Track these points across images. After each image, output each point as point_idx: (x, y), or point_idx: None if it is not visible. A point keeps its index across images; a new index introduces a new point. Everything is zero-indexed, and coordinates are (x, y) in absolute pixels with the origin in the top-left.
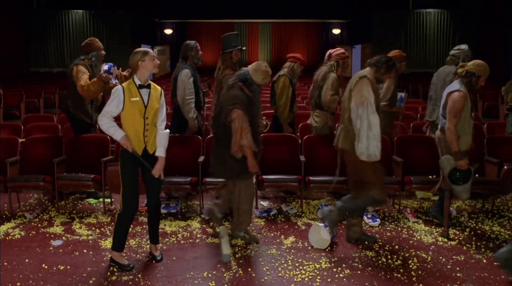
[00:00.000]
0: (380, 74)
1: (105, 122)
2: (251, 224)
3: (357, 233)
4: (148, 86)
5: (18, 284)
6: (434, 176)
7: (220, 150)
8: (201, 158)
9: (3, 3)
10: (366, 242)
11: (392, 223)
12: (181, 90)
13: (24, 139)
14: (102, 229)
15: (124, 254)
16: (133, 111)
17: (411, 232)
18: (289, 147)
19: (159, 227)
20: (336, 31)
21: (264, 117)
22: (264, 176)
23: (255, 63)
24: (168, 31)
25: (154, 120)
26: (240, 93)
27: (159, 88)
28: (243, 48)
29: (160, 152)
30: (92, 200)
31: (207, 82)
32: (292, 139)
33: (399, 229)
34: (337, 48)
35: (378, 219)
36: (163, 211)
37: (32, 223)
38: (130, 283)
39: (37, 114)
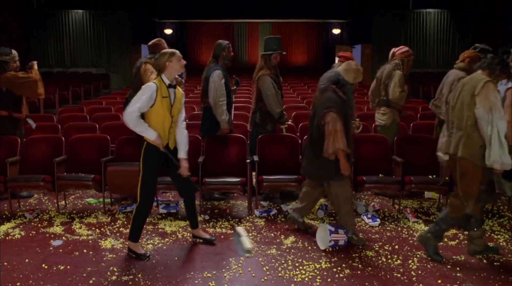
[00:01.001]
0: (495, 76)
1: (136, 120)
2: (251, 225)
3: (481, 246)
4: (174, 87)
5: (18, 284)
6: (434, 176)
7: (314, 151)
8: (201, 158)
9: (3, 3)
10: (489, 254)
11: (392, 223)
12: (213, 92)
13: (24, 139)
14: (102, 229)
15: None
16: (163, 109)
17: (411, 232)
18: (289, 147)
19: (159, 227)
20: (336, 31)
21: (357, 119)
22: (263, 176)
23: (345, 63)
24: (168, 31)
25: (176, 119)
26: (334, 96)
27: (181, 90)
28: (283, 52)
29: (183, 155)
30: (92, 200)
31: (235, 79)
32: (292, 139)
33: (399, 229)
34: (401, 47)
35: (378, 219)
36: (163, 211)
37: (32, 223)
38: (130, 283)
39: (37, 114)
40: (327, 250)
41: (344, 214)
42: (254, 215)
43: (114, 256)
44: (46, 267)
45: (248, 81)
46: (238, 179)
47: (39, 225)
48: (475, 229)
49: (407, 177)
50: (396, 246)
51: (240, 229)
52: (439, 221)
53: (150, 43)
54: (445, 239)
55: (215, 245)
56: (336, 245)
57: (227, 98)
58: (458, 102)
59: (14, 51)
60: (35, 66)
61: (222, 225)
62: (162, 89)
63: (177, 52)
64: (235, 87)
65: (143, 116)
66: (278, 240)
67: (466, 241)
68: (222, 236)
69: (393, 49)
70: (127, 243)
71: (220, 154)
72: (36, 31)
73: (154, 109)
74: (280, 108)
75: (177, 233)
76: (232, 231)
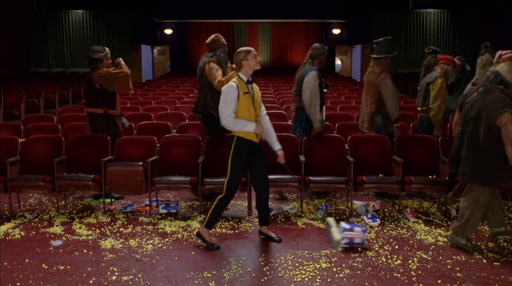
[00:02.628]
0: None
1: (234, 123)
2: (251, 225)
3: None
4: (251, 82)
5: (18, 284)
6: (434, 176)
7: (477, 155)
8: (201, 158)
9: (3, 3)
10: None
11: (392, 223)
12: (308, 92)
13: (24, 139)
14: (102, 229)
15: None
16: (247, 103)
17: (411, 232)
18: (289, 147)
19: (159, 227)
20: (336, 31)
21: None
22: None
23: (504, 64)
24: (168, 31)
25: (259, 112)
26: (503, 96)
27: (256, 85)
28: (396, 52)
29: (278, 146)
30: (92, 200)
31: (324, 83)
32: (292, 139)
33: (399, 229)
34: (508, 51)
35: (378, 219)
36: (163, 211)
37: (32, 223)
38: (130, 283)
39: (37, 114)
40: (327, 250)
41: (472, 219)
42: (254, 215)
43: (114, 256)
44: (46, 267)
45: None
46: None
47: (39, 225)
48: None
49: (407, 177)
50: (396, 246)
51: (331, 220)
52: None
53: (208, 41)
54: (445, 239)
55: (280, 242)
56: (352, 244)
57: (320, 99)
58: None
59: (107, 49)
60: (122, 62)
61: (222, 225)
62: (242, 86)
63: (252, 49)
64: (325, 90)
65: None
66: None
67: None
68: (222, 236)
69: (500, 52)
70: (127, 243)
71: (220, 154)
72: (36, 31)
73: (239, 106)
74: (398, 111)
75: (177, 233)
76: (232, 231)
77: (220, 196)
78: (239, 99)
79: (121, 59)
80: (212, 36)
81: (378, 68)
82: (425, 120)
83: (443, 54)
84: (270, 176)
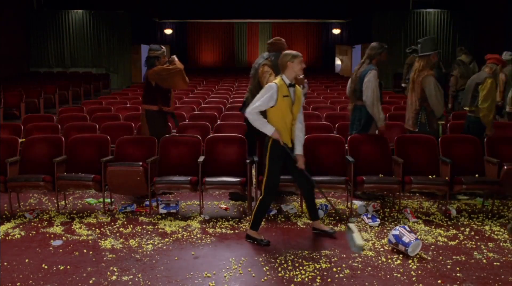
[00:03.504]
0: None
1: (255, 117)
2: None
3: None
4: (294, 85)
5: (18, 284)
6: (434, 176)
7: None
8: (201, 158)
9: (3, 3)
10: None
11: (392, 223)
12: (370, 91)
13: (24, 139)
14: (102, 229)
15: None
16: (284, 106)
17: None
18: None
19: (159, 227)
20: (336, 31)
21: None
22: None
23: None
24: (168, 31)
25: (296, 116)
26: None
27: (299, 88)
28: (439, 50)
29: (300, 151)
30: (92, 200)
31: (380, 83)
32: None
33: None
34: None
35: (378, 219)
36: (163, 211)
37: (32, 223)
38: (130, 283)
39: (37, 114)
40: (328, 250)
41: None
42: None
43: (114, 256)
44: (46, 267)
45: (247, 81)
46: (238, 179)
47: (39, 225)
48: None
49: (407, 177)
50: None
51: (353, 225)
52: None
53: (270, 40)
54: (445, 239)
55: (335, 238)
56: (399, 240)
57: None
58: None
59: (163, 47)
60: (176, 59)
61: (222, 225)
62: (283, 88)
63: (300, 54)
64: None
65: (265, 114)
66: (278, 240)
67: (466, 241)
68: (222, 236)
69: None
70: (127, 243)
71: (220, 154)
72: (36, 31)
73: (276, 108)
74: (443, 108)
75: (177, 233)
76: (232, 231)
77: (260, 198)
78: (276, 102)
79: (174, 56)
80: (275, 39)
81: (420, 66)
82: (474, 121)
83: (491, 54)
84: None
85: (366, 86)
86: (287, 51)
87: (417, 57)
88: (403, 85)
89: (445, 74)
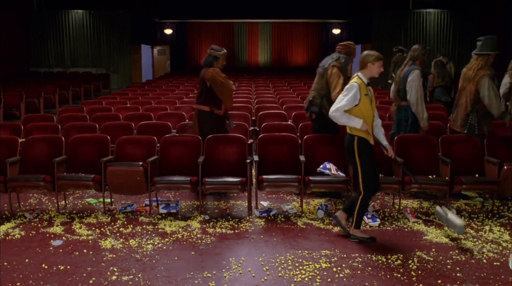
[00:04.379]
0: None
1: (339, 114)
2: (250, 225)
3: None
4: (369, 84)
5: (18, 284)
6: (434, 175)
7: None
8: (201, 158)
9: (3, 3)
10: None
11: (392, 223)
12: (414, 90)
13: (24, 139)
14: (102, 229)
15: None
16: (366, 104)
17: (411, 232)
18: (289, 147)
19: (159, 227)
20: (336, 31)
21: None
22: (264, 176)
23: None
24: (168, 31)
25: (374, 112)
26: None
27: (371, 88)
28: (498, 52)
29: (385, 142)
30: (92, 200)
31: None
32: (292, 139)
33: (399, 229)
34: None
35: (378, 219)
36: (163, 211)
37: (32, 223)
38: (130, 283)
39: (37, 114)
40: (328, 250)
41: None
42: (254, 215)
43: (114, 256)
44: (46, 267)
45: (247, 81)
46: (238, 179)
47: (39, 225)
48: None
49: (407, 177)
50: (396, 246)
51: (441, 208)
52: None
53: (343, 42)
54: (445, 239)
55: (349, 237)
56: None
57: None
58: None
59: (224, 50)
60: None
61: (222, 225)
62: (363, 87)
63: (382, 57)
64: None
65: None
66: (278, 240)
67: (466, 241)
68: (222, 236)
69: None
70: (127, 243)
71: (220, 154)
72: (36, 31)
73: (360, 107)
74: (502, 107)
75: (177, 233)
76: (232, 231)
77: (360, 197)
78: (359, 102)
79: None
80: (348, 42)
81: (477, 65)
82: None
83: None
84: (270, 176)
85: (410, 85)
86: (371, 52)
87: (475, 55)
88: (389, 81)
89: (425, 73)
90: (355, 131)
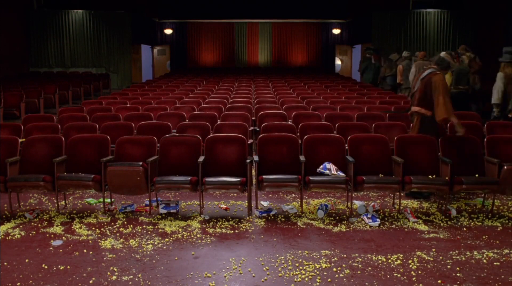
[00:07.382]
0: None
1: None
2: (250, 225)
3: None
4: None
5: (18, 284)
6: (434, 175)
7: None
8: (201, 158)
9: (3, 3)
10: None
11: (392, 223)
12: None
13: (24, 139)
14: (102, 229)
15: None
16: None
17: (411, 232)
18: (289, 147)
19: (159, 227)
20: (336, 31)
21: None
22: (264, 176)
23: None
24: (168, 31)
25: None
26: None
27: None
28: None
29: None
30: (92, 200)
31: None
32: (292, 139)
33: (399, 229)
34: None
35: (378, 219)
36: (163, 211)
37: (32, 223)
38: (130, 283)
39: (37, 114)
40: (328, 250)
41: None
42: (254, 215)
43: (114, 256)
44: (46, 267)
45: (247, 81)
46: (238, 179)
47: (39, 225)
48: None
49: (407, 177)
50: (396, 246)
51: None
52: None
53: (441, 56)
54: (445, 239)
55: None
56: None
57: None
58: None
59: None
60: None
61: (222, 225)
62: None
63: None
64: None
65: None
66: (278, 240)
67: (466, 241)
68: (222, 236)
69: None
70: (127, 243)
71: (220, 154)
72: (36, 31)
73: None
74: None
75: (177, 233)
76: (232, 231)
77: None
78: None
79: None
80: (447, 54)
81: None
82: None
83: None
84: (270, 176)
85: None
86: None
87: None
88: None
89: (375, 65)
90: None
